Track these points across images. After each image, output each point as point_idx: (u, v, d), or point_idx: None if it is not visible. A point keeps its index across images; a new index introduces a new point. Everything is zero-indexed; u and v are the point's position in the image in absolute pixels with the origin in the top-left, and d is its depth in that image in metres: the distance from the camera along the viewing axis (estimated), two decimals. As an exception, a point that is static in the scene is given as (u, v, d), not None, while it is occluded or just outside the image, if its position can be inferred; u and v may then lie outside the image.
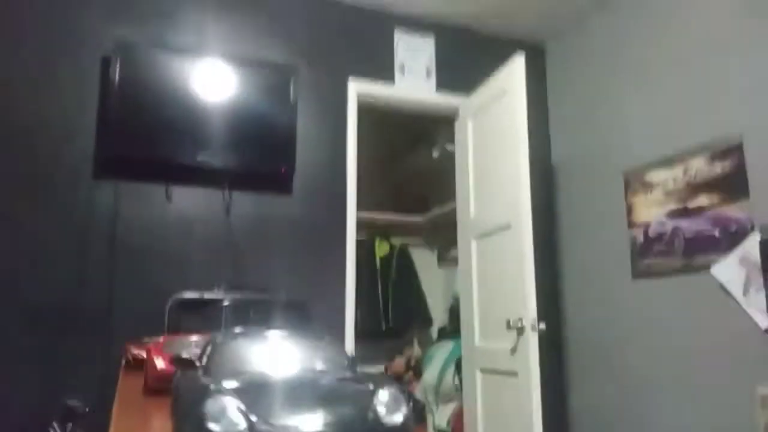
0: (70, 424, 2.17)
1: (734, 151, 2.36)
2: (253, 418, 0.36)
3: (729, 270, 2.34)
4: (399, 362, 3.99)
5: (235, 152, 2.74)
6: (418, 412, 3.47)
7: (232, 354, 0.47)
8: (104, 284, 2.56)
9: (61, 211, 2.54)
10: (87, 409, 2.22)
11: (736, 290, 2.29)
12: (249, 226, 2.86)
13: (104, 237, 2.60)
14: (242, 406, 0.36)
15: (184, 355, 0.52)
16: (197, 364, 0.47)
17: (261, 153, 2.81)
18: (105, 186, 2.62)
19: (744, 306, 2.25)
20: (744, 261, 2.29)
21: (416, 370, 3.92)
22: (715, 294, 2.36)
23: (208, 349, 0.48)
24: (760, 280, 2.21)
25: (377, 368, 3.91)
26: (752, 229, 2.26)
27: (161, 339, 1.32)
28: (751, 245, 2.25)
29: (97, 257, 2.57)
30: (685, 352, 2.49)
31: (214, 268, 2.74)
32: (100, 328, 2.50)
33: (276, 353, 0.48)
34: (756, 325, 2.19)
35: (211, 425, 0.35)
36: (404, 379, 3.85)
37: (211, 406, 0.36)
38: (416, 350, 4.17)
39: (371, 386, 0.42)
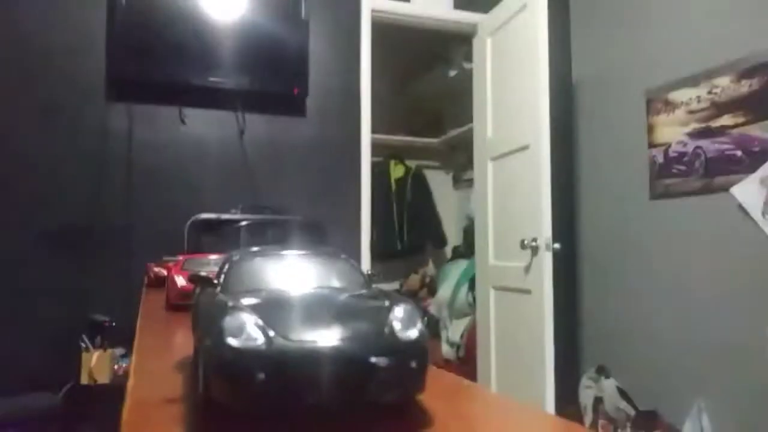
0: (98, 337, 2.27)
1: (762, 70, 2.27)
2: (271, 333, 0.36)
3: (749, 190, 2.30)
4: (414, 279, 4.07)
5: (248, 73, 2.70)
6: (432, 327, 3.58)
7: (249, 272, 0.48)
8: (123, 206, 2.60)
9: (77, 135, 2.55)
10: (113, 323, 2.32)
11: (755, 211, 2.27)
12: (263, 149, 2.85)
13: (120, 160, 2.61)
14: (260, 322, 0.37)
15: (203, 273, 0.52)
16: (215, 281, 0.48)
17: (273, 73, 2.76)
18: (118, 108, 2.61)
19: (762, 226, 2.24)
20: (765, 181, 2.25)
21: (430, 287, 4.00)
22: (733, 214, 2.34)
23: (226, 267, 0.49)
24: (781, 201, 2.18)
25: (392, 286, 4.00)
26: (776, 149, 2.21)
27: (181, 258, 1.35)
28: (774, 166, 2.21)
29: (114, 180, 2.59)
30: (699, 271, 2.51)
31: (230, 190, 2.76)
32: (121, 248, 2.56)
33: (292, 271, 0.49)
34: (773, 245, 2.19)
35: (230, 340, 0.36)
36: (418, 296, 3.94)
37: (229, 322, 0.37)
38: (431, 269, 4.25)
39: (387, 303, 0.42)
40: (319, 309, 0.41)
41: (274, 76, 2.76)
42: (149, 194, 2.64)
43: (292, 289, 0.45)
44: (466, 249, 3.75)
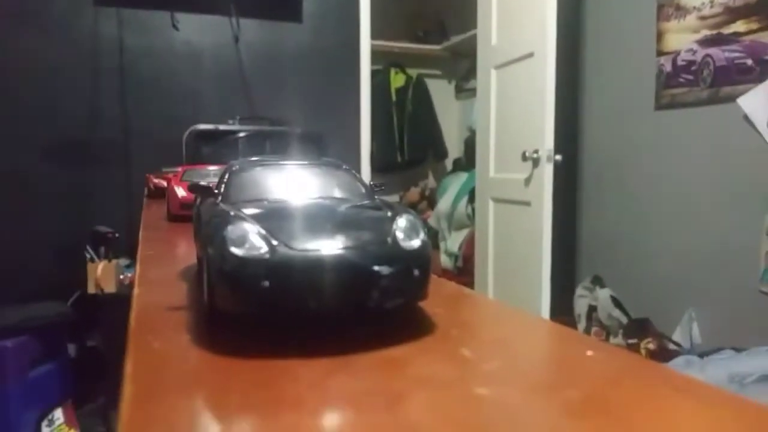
0: (102, 248, 2.30)
1: (783, -30, 2.16)
2: (274, 242, 0.36)
3: (756, 101, 2.26)
4: (414, 192, 4.08)
5: (241, -26, 2.57)
6: (431, 239, 3.63)
7: (250, 182, 0.47)
8: (118, 116, 2.56)
9: (66, 43, 2.47)
10: (116, 234, 2.35)
11: (760, 121, 2.24)
12: (259, 56, 2.77)
13: (112, 68, 2.54)
14: (263, 231, 0.37)
15: (203, 183, 0.52)
16: (216, 191, 0.47)
17: (268, -26, 2.63)
18: (107, 13, 2.50)
19: (766, 137, 2.21)
20: (775, 92, 2.20)
21: (430, 200, 4.02)
22: (738, 125, 2.31)
23: (226, 176, 0.48)
24: (788, 111, 2.14)
25: (392, 198, 4.02)
26: (789, 57, 2.14)
27: (180, 169, 1.34)
28: (786, 75, 2.15)
29: (107, 89, 2.54)
30: (700, 183, 2.51)
31: (227, 99, 2.72)
32: (120, 159, 2.55)
33: (294, 181, 0.48)
34: (775, 157, 2.17)
35: (234, 249, 0.36)
36: (418, 209, 3.97)
37: (232, 231, 0.37)
38: (431, 181, 4.25)
39: (390, 213, 0.42)
40: (322, 218, 0.41)
41: (268, -21, 2.63)
42: (144, 104, 2.59)
43: (294, 199, 0.45)
44: (467, 161, 3.74)
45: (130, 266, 2.37)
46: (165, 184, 1.36)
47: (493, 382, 0.30)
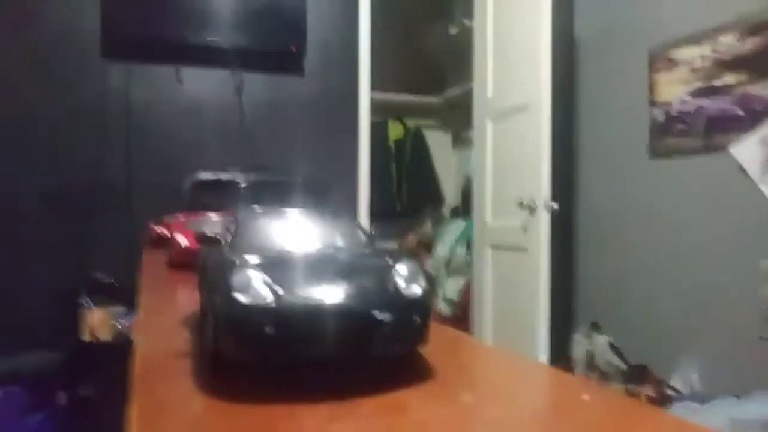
0: (98, 295, 2.30)
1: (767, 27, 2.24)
2: (279, 290, 0.37)
3: (748, 150, 2.30)
4: (412, 239, 4.09)
5: (244, 31, 2.66)
6: (429, 284, 3.62)
7: (255, 231, 0.48)
8: (121, 166, 2.59)
9: (74, 94, 2.53)
10: (113, 282, 2.34)
11: (754, 170, 2.27)
12: (261, 107, 2.83)
13: (119, 119, 2.59)
14: (268, 279, 0.38)
15: (208, 232, 0.53)
16: (222, 241, 0.49)
17: (270, 31, 2.71)
18: (115, 67, 2.57)
19: (760, 185, 2.24)
20: (765, 141, 2.24)
21: (428, 246, 4.03)
22: (732, 174, 2.34)
23: (232, 226, 0.49)
24: (779, 160, 2.18)
25: (391, 245, 4.03)
26: (777, 108, 2.19)
27: (182, 217, 1.35)
28: (774, 125, 2.20)
29: (112, 140, 2.58)
30: (696, 231, 2.52)
31: (228, 149, 2.76)
32: (121, 208, 2.57)
33: (297, 230, 0.49)
34: (769, 204, 2.20)
35: (239, 296, 0.37)
36: (416, 256, 3.97)
37: (237, 279, 0.38)
38: (428, 228, 4.27)
39: (390, 261, 0.43)
40: (325, 267, 0.42)
41: (270, 34, 2.72)
42: (148, 153, 2.63)
43: (298, 248, 0.46)
44: (464, 209, 3.76)
45: (128, 314, 2.36)
46: (167, 232, 1.37)
47: (493, 428, 0.30)
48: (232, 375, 0.39)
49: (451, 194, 4.24)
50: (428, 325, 0.40)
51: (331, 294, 0.38)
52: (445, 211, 4.20)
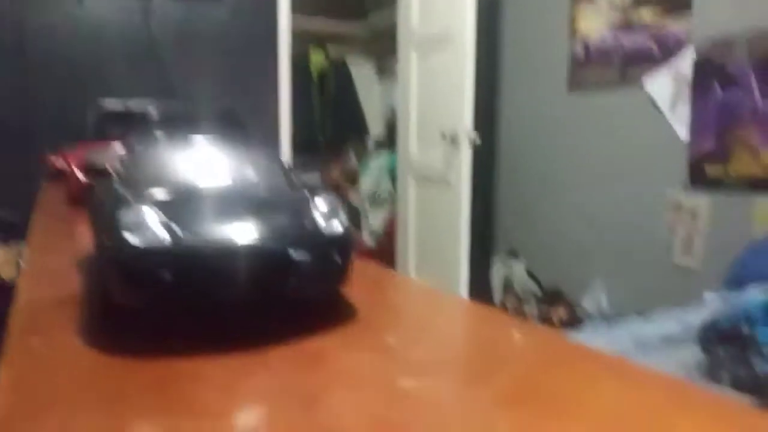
0: (2, 233, 2.13)
1: (684, -41, 2.27)
2: (178, 230, 0.32)
3: (661, 84, 2.38)
4: (336, 172, 4.04)
5: (148, -58, 2.41)
6: (354, 218, 3.62)
7: (153, 162, 0.43)
8: (19, 95, 2.36)
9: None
10: (16, 219, 2.17)
11: (665, 104, 2.36)
12: (172, 33, 2.63)
13: (12, 44, 2.34)
14: (164, 218, 0.33)
15: (98, 162, 0.47)
16: (112, 172, 0.43)
17: (178, -56, 2.48)
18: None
19: (669, 119, 2.34)
20: (676, 75, 2.32)
21: (352, 179, 4.00)
22: (644, 107, 2.43)
23: (125, 156, 0.43)
24: (688, 93, 2.27)
25: (314, 178, 3.96)
26: (688, 44, 2.26)
27: (81, 148, 1.25)
28: (685, 60, 2.27)
29: (7, 67, 2.33)
30: (608, 160, 2.62)
31: (138, 78, 2.56)
32: (22, 140, 2.36)
33: (203, 162, 0.44)
34: (677, 136, 2.30)
35: (130, 237, 0.32)
36: (341, 188, 3.94)
37: (128, 217, 0.33)
38: (352, 161, 4.22)
39: (308, 195, 0.39)
40: (233, 203, 0.37)
41: (178, -52, 2.49)
42: (47, 82, 2.40)
43: (203, 182, 0.41)
44: (389, 141, 3.74)
45: (31, 254, 2.21)
46: (65, 165, 1.25)
47: (418, 373, 0.28)
48: (125, 326, 0.34)
49: (375, 126, 4.18)
50: (349, 264, 0.37)
51: (240, 233, 0.33)
52: (370, 143, 4.16)
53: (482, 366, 0.29)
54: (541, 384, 0.27)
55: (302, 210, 0.37)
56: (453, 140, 2.49)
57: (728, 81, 2.13)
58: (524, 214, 3.13)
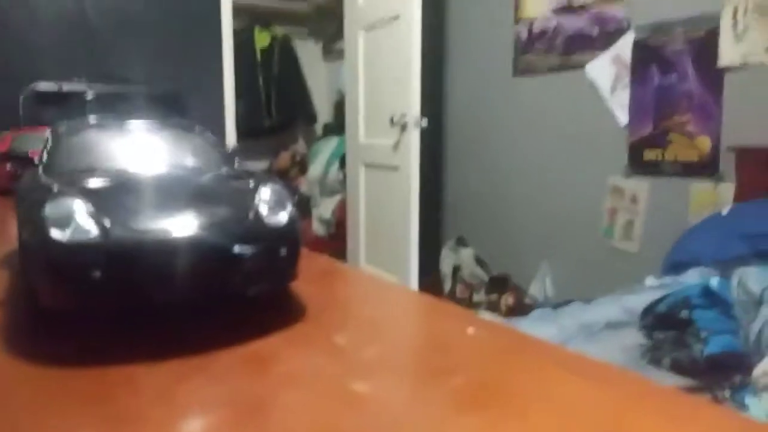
0: None
1: (623, -55, 2.31)
2: (107, 223, 0.30)
3: (601, 68, 2.43)
4: (284, 158, 3.98)
5: None
6: (304, 206, 3.57)
7: (81, 148, 0.39)
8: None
9: None
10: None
11: (605, 88, 2.41)
12: (109, 9, 2.50)
13: None
14: (92, 209, 0.30)
15: (19, 149, 0.43)
16: (35, 160, 0.39)
17: None
18: None
19: (609, 103, 2.39)
20: (616, 60, 2.38)
21: (301, 165, 3.94)
22: (585, 91, 2.48)
23: (51, 141, 0.40)
24: (628, 78, 2.33)
25: (261, 165, 3.89)
26: (628, 28, 2.31)
27: (9, 134, 1.17)
28: (625, 45, 2.33)
29: None
30: (551, 145, 2.67)
31: (72, 56, 2.43)
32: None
33: (137, 146, 0.41)
34: (617, 121, 2.36)
35: (54, 232, 0.29)
36: (289, 175, 3.88)
37: (53, 209, 0.30)
38: (301, 146, 4.16)
39: (252, 183, 0.36)
40: (170, 192, 0.35)
41: None
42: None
43: (136, 169, 0.38)
44: (338, 125, 3.69)
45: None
46: (-10, 151, 1.17)
47: (371, 375, 0.26)
48: (54, 331, 0.31)
49: (323, 109, 4.12)
50: (297, 258, 0.35)
51: (178, 225, 0.31)
52: (318, 127, 4.10)
53: (436, 365, 0.28)
54: (498, 383, 0.26)
55: (246, 200, 0.35)
56: (401, 125, 2.48)
57: (666, 66, 2.20)
58: (471, 201, 3.16)
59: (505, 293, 2.62)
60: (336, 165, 3.47)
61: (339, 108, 3.61)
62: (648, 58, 2.25)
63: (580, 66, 2.49)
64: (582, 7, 2.50)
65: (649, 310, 1.54)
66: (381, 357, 0.29)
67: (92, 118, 0.42)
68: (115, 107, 2.34)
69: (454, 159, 3.28)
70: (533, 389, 0.25)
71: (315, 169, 3.62)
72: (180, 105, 2.48)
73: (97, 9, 2.47)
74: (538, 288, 2.64)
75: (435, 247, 3.21)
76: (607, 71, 2.41)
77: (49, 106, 2.28)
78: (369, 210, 2.88)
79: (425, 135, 2.51)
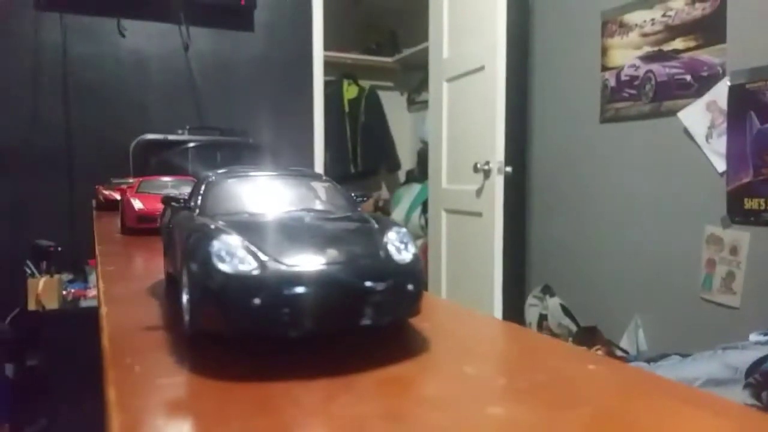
0: (44, 262, 2.19)
1: (716, -7, 2.28)
2: (263, 257, 0.34)
3: (695, 114, 2.37)
4: (367, 204, 4.08)
5: (191, -19, 2.52)
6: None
7: (227, 193, 0.45)
8: (61, 125, 2.45)
9: (6, 47, 2.35)
10: (59, 248, 2.24)
11: (700, 135, 2.34)
12: (210, 65, 2.71)
13: (55, 75, 2.44)
14: (250, 246, 0.35)
15: (173, 194, 0.49)
16: (191, 204, 0.45)
17: (219, -18, 2.59)
18: (50, 18, 2.40)
19: (705, 150, 2.32)
20: (711, 106, 2.31)
21: (384, 210, 4.03)
22: (679, 138, 2.41)
23: (202, 188, 0.46)
24: (724, 125, 2.25)
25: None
26: (723, 74, 2.25)
27: (132, 180, 1.29)
28: (720, 91, 2.26)
29: (49, 97, 2.43)
30: (643, 195, 2.60)
31: (175, 108, 2.65)
32: (62, 171, 2.44)
33: (273, 192, 0.46)
34: (713, 168, 2.28)
35: (220, 265, 0.34)
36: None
37: (217, 246, 0.35)
38: (384, 192, 4.26)
39: (376, 225, 0.41)
40: (309, 232, 0.39)
41: (219, -14, 2.59)
42: (89, 113, 2.49)
43: (276, 212, 0.43)
44: (420, 172, 3.76)
45: (74, 281, 2.26)
46: (117, 195, 1.30)
47: (505, 402, 0.29)
48: (212, 349, 0.36)
49: (406, 157, 4.22)
50: (421, 293, 0.38)
51: (320, 261, 0.35)
52: (401, 174, 4.19)
53: (563, 396, 0.30)
54: (625, 415, 0.27)
55: (375, 240, 0.39)
56: (485, 172, 2.50)
57: (765, 112, 2.11)
58: (558, 248, 3.10)
59: (594, 345, 2.53)
60: (418, 210, 3.52)
61: (421, 156, 3.68)
62: (745, 103, 2.17)
63: (672, 113, 2.44)
64: (673, 55, 2.46)
65: (755, 368, 1.44)
66: (510, 386, 0.31)
67: (236, 169, 0.48)
68: (214, 157, 2.50)
69: (539, 206, 3.25)
70: (658, 421, 0.26)
71: (397, 214, 3.68)
72: (274, 153, 2.62)
73: (200, 67, 2.69)
74: (630, 341, 2.53)
75: (519, 294, 3.16)
76: (701, 117, 2.34)
77: (154, 154, 2.47)
78: (451, 255, 2.89)
79: (509, 182, 2.52)
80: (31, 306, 2.09)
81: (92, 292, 2.15)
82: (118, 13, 2.51)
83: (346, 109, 3.95)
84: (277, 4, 2.81)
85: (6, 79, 2.36)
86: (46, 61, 2.41)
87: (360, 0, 4.05)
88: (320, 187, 0.49)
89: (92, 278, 2.23)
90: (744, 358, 1.55)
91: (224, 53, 2.74)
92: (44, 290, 2.08)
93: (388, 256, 0.38)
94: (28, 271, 2.14)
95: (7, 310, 2.24)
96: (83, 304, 2.11)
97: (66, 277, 2.24)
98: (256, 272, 0.34)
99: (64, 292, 2.15)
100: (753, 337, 1.73)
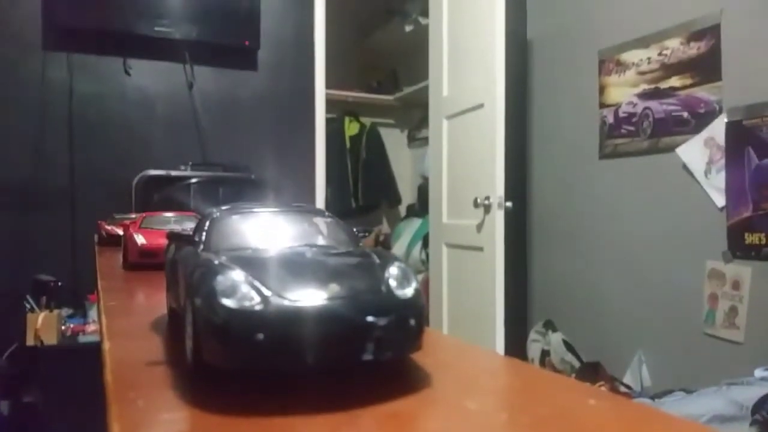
0: (43, 297, 2.18)
1: (711, 32, 2.33)
2: (266, 292, 0.35)
3: (693, 150, 2.39)
4: (368, 238, 4.08)
5: (196, 22, 2.58)
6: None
7: (231, 229, 0.46)
8: (65, 162, 2.48)
9: (14, 86, 2.39)
10: (59, 283, 2.23)
11: (698, 170, 2.36)
12: (213, 103, 2.76)
13: (61, 113, 2.48)
14: (254, 281, 0.35)
15: (178, 230, 0.50)
16: (195, 239, 0.46)
17: (223, 24, 2.65)
18: (57, 58, 2.45)
19: (704, 186, 2.33)
20: (708, 142, 2.34)
21: (385, 245, 4.02)
22: (678, 174, 2.43)
23: (206, 224, 0.46)
24: (722, 161, 2.27)
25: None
26: (720, 111, 2.29)
27: (134, 215, 1.30)
28: (717, 127, 2.29)
29: (55, 133, 2.46)
30: (644, 230, 2.61)
31: (179, 145, 2.68)
32: (65, 205, 2.46)
33: (276, 228, 0.47)
34: (713, 203, 2.29)
35: (224, 301, 0.34)
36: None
37: (221, 281, 0.35)
38: (385, 227, 4.27)
39: (378, 260, 0.41)
40: (312, 267, 0.40)
41: (223, 27, 2.65)
42: (93, 150, 2.52)
43: (279, 247, 0.44)
44: (420, 207, 3.78)
45: (74, 316, 2.25)
46: (119, 231, 1.31)
47: (507, 436, 0.29)
48: (215, 384, 0.36)
49: (406, 192, 4.25)
50: (423, 328, 0.39)
51: (322, 296, 0.36)
52: (402, 209, 4.21)
53: (566, 430, 0.30)
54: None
55: (376, 275, 0.39)
56: (485, 207, 2.51)
57: (763, 147, 2.14)
58: (560, 283, 3.09)
59: (597, 381, 2.50)
60: (418, 245, 3.52)
61: (422, 191, 3.71)
62: (743, 139, 2.20)
63: (670, 149, 2.46)
64: (670, 92, 2.50)
65: (762, 404, 1.43)
66: (512, 421, 0.31)
67: (240, 205, 0.49)
68: (216, 193, 2.52)
69: (540, 241, 3.25)
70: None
71: (398, 249, 3.68)
72: (276, 189, 2.64)
73: (203, 105, 2.73)
74: (634, 377, 2.50)
75: (521, 330, 3.14)
76: (699, 153, 2.37)
77: (157, 190, 2.49)
78: (452, 290, 2.88)
79: (510, 217, 2.53)
80: (30, 341, 2.07)
81: (91, 327, 2.14)
82: (125, 52, 2.56)
83: (348, 145, 4.00)
84: (281, 45, 2.87)
85: (13, 116, 2.39)
86: (53, 99, 2.45)
87: (360, 43, 4.13)
88: (322, 223, 0.49)
89: (92, 313, 2.22)
90: (750, 394, 1.54)
91: (228, 91, 2.79)
92: (43, 325, 2.07)
93: (390, 291, 0.38)
94: (28, 306, 2.13)
95: (5, 345, 2.23)
96: (82, 339, 2.10)
97: (66, 312, 2.24)
98: (259, 307, 0.34)
99: (63, 327, 2.14)
100: (758, 372, 1.71)
